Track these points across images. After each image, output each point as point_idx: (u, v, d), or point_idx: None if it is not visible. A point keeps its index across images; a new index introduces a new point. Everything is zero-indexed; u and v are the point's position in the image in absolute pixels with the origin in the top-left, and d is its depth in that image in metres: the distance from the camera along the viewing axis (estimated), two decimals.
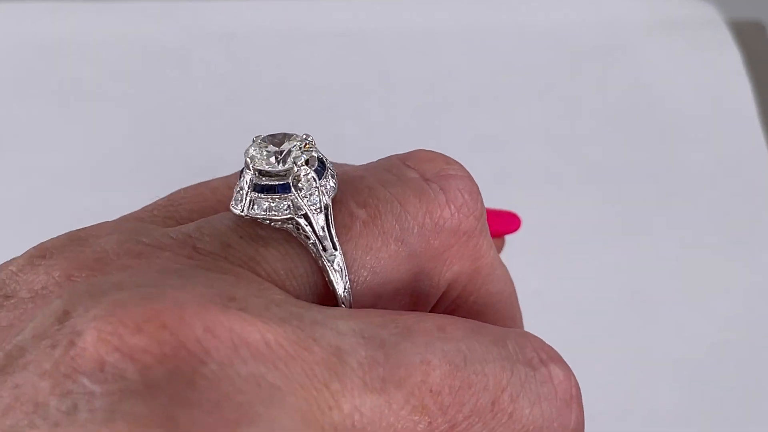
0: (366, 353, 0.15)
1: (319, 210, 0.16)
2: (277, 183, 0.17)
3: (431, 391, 0.15)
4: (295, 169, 0.17)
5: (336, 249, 0.16)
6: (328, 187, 0.17)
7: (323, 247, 0.16)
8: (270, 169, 0.17)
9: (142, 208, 0.18)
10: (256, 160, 0.17)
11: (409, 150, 0.19)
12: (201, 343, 0.14)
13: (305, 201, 0.16)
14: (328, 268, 0.16)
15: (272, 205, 0.16)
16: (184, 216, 0.18)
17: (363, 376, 0.14)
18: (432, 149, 0.18)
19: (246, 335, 0.14)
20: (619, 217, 0.37)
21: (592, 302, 0.34)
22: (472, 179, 0.18)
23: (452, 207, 0.17)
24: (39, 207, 0.34)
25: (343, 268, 0.16)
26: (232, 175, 0.19)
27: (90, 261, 0.16)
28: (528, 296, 0.34)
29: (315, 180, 0.17)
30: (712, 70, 0.41)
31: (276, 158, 0.17)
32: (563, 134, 0.39)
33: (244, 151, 0.17)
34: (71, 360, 0.14)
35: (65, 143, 0.37)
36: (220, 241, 0.16)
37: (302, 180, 0.17)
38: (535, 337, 0.17)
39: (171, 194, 0.18)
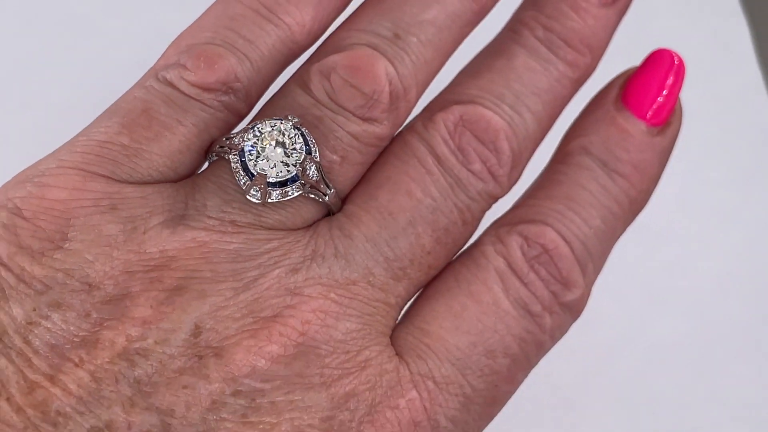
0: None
1: (317, 177, 0.21)
2: (287, 177, 0.21)
3: None
4: (300, 166, 0.21)
5: (330, 188, 0.22)
6: (315, 155, 0.21)
7: (321, 192, 0.21)
8: (282, 178, 0.21)
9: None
10: (269, 174, 0.21)
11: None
12: None
13: (309, 178, 0.21)
14: (330, 204, 0.22)
15: (285, 190, 0.21)
16: (156, 164, 0.22)
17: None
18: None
19: None
20: None
21: None
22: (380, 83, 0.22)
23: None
24: (42, 141, 0.35)
25: (337, 199, 0.22)
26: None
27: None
28: None
29: (310, 159, 0.21)
30: (709, 9, 0.41)
31: (285, 166, 0.21)
32: None
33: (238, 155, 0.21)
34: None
35: (67, 78, 0.37)
36: (253, 214, 0.21)
37: (306, 169, 0.21)
38: None
39: (111, 140, 0.21)
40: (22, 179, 0.21)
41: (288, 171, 0.21)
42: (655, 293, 0.34)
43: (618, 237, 0.24)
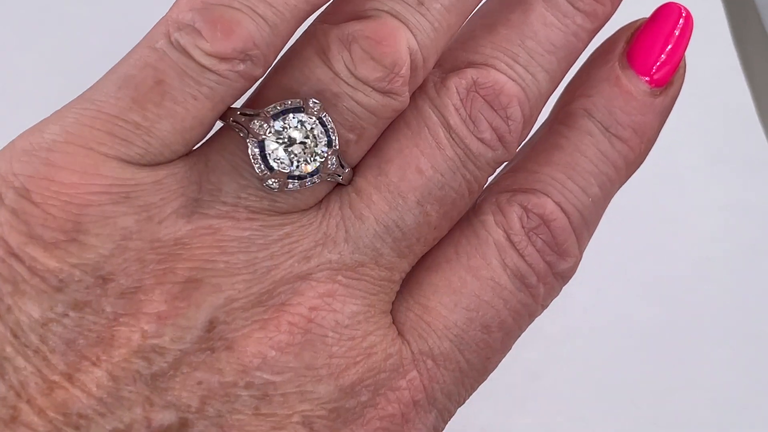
0: None
1: (336, 164, 0.21)
2: (308, 172, 0.21)
3: None
4: (322, 163, 0.21)
5: (345, 169, 0.22)
6: (334, 144, 0.21)
7: (338, 173, 0.21)
8: (302, 175, 0.21)
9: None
10: (289, 170, 0.21)
11: None
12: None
13: (329, 170, 0.21)
14: (343, 181, 0.22)
15: (304, 181, 0.21)
16: (167, 143, 0.21)
17: None
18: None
19: None
20: None
21: None
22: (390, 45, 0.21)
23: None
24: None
25: (350, 175, 0.22)
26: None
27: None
28: None
29: (328, 150, 0.21)
30: None
31: (307, 166, 0.21)
32: None
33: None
34: None
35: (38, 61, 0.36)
36: (268, 200, 0.21)
37: (327, 162, 0.21)
38: None
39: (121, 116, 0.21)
40: (27, 148, 0.20)
41: (310, 169, 0.21)
42: (632, 278, 0.34)
43: (611, 199, 0.25)
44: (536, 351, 0.32)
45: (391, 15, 0.22)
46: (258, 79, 0.21)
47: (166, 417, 0.19)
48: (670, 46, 0.24)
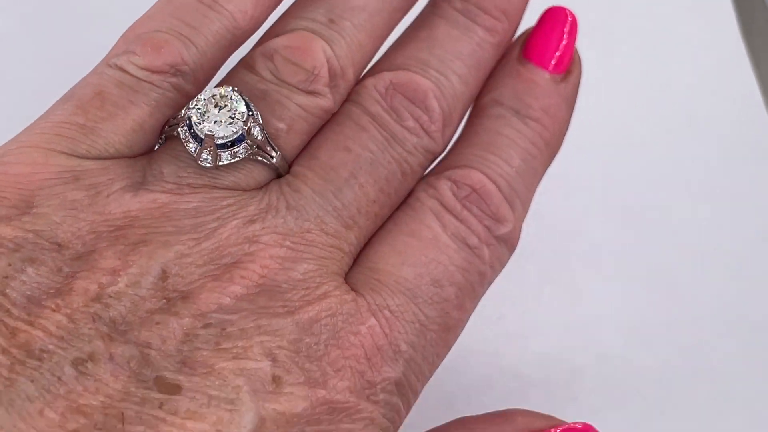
0: None
1: (262, 138, 0.23)
2: (234, 138, 0.23)
3: None
4: (244, 125, 0.23)
5: (276, 151, 0.24)
6: (257, 116, 0.23)
7: (268, 154, 0.23)
8: (228, 138, 0.23)
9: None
10: (216, 133, 0.23)
11: None
12: None
13: (255, 138, 0.23)
14: (278, 167, 0.24)
15: (234, 151, 0.23)
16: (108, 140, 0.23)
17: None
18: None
19: None
20: (603, 129, 0.37)
21: (582, 216, 0.35)
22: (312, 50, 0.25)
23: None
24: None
25: (284, 162, 0.24)
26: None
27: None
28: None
29: (253, 120, 0.23)
30: None
31: (229, 125, 0.23)
32: None
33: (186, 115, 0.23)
34: None
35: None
36: (208, 177, 0.23)
37: (251, 129, 0.23)
38: None
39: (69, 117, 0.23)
40: None
41: (233, 131, 0.23)
42: (636, 270, 0.34)
43: (540, 178, 0.26)
44: (541, 343, 0.32)
45: (307, 31, 0.25)
46: (190, 95, 0.24)
47: (127, 351, 0.20)
48: (563, 41, 0.26)
